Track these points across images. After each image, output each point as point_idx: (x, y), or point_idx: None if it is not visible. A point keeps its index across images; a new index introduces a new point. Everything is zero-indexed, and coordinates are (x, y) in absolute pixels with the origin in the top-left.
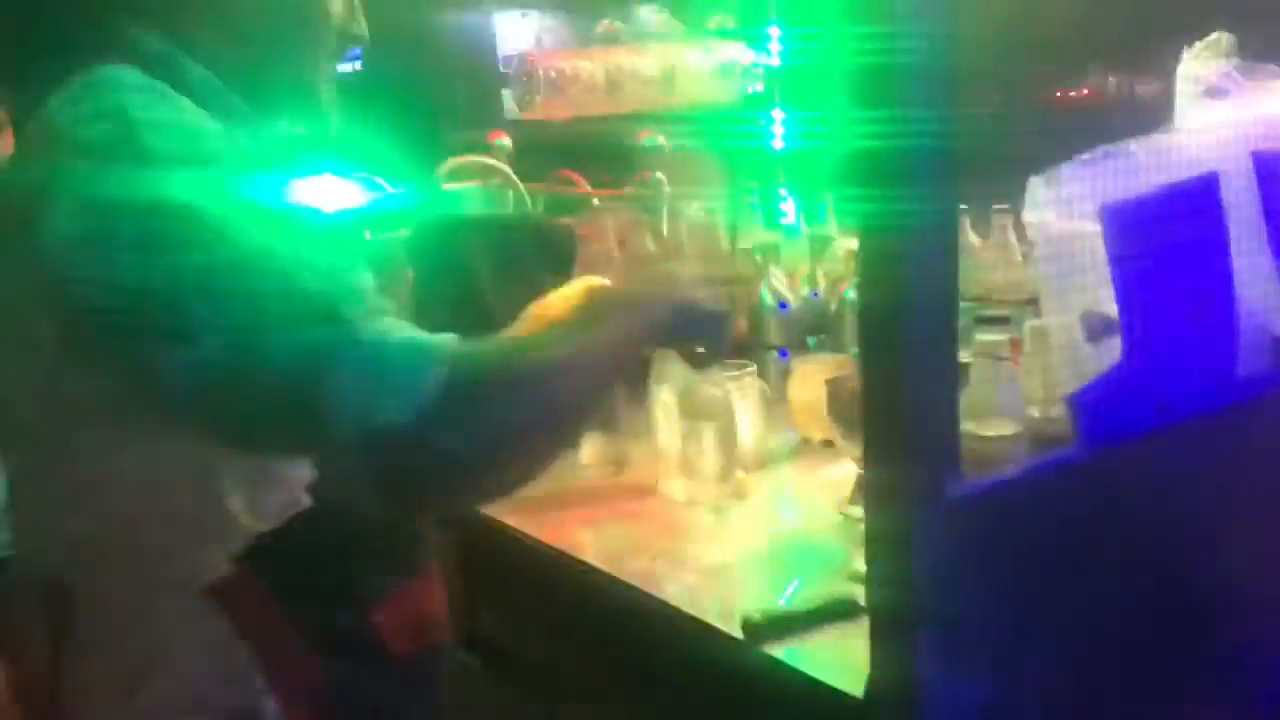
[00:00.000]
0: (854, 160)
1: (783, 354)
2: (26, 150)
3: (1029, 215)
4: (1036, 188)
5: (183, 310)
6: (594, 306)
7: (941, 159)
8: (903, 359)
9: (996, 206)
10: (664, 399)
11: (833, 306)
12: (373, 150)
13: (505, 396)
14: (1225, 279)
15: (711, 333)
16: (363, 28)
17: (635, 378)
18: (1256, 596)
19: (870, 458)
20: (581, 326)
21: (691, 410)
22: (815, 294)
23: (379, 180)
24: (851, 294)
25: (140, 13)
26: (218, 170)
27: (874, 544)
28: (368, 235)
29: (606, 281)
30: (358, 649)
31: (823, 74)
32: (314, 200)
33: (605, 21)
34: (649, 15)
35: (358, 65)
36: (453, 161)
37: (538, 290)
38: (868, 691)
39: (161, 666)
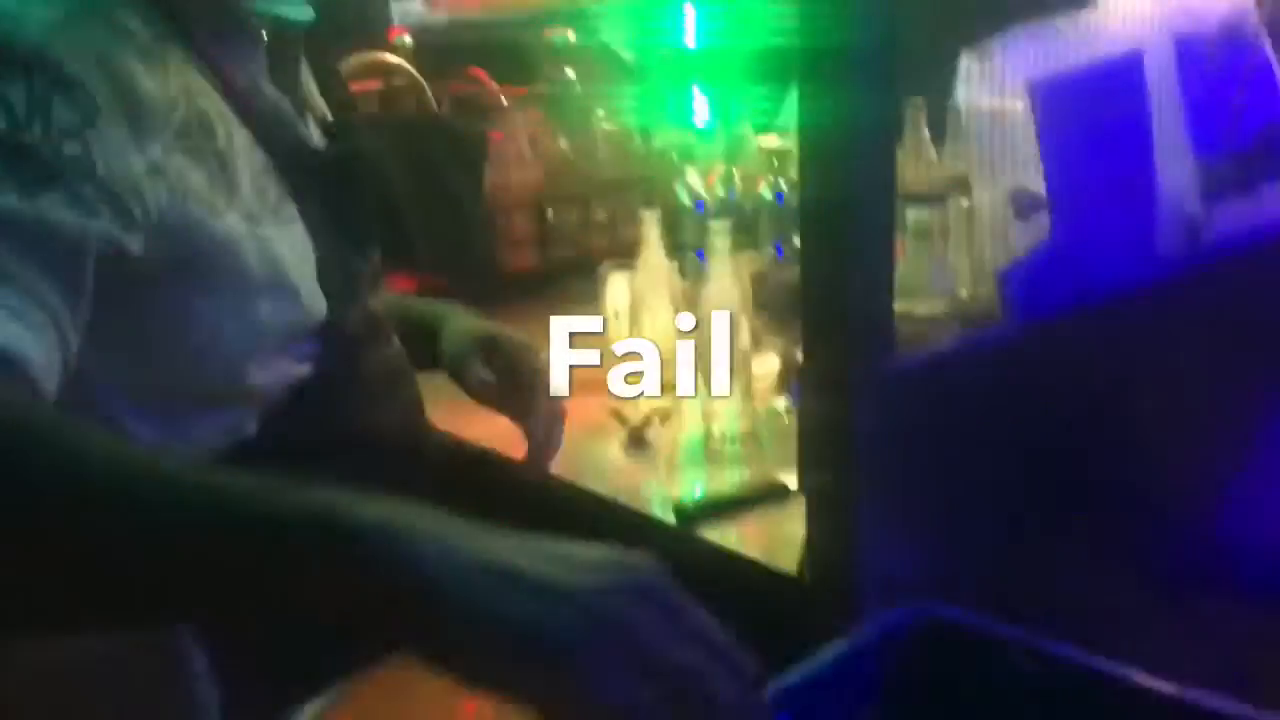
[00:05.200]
0: (777, 54)
1: (700, 255)
2: None
3: (961, 92)
4: (969, 65)
5: None
6: None
7: (874, 48)
8: (842, 244)
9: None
10: (614, 305)
11: (748, 206)
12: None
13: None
14: (1147, 158)
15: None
16: None
17: None
18: (1174, 463)
19: (809, 337)
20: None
21: (634, 314)
22: (731, 193)
23: None
24: (767, 192)
25: None
26: None
27: (810, 421)
28: None
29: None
30: None
31: None
32: None
33: None
34: None
35: None
36: (355, 59)
37: (447, 191)
38: (806, 568)
39: None
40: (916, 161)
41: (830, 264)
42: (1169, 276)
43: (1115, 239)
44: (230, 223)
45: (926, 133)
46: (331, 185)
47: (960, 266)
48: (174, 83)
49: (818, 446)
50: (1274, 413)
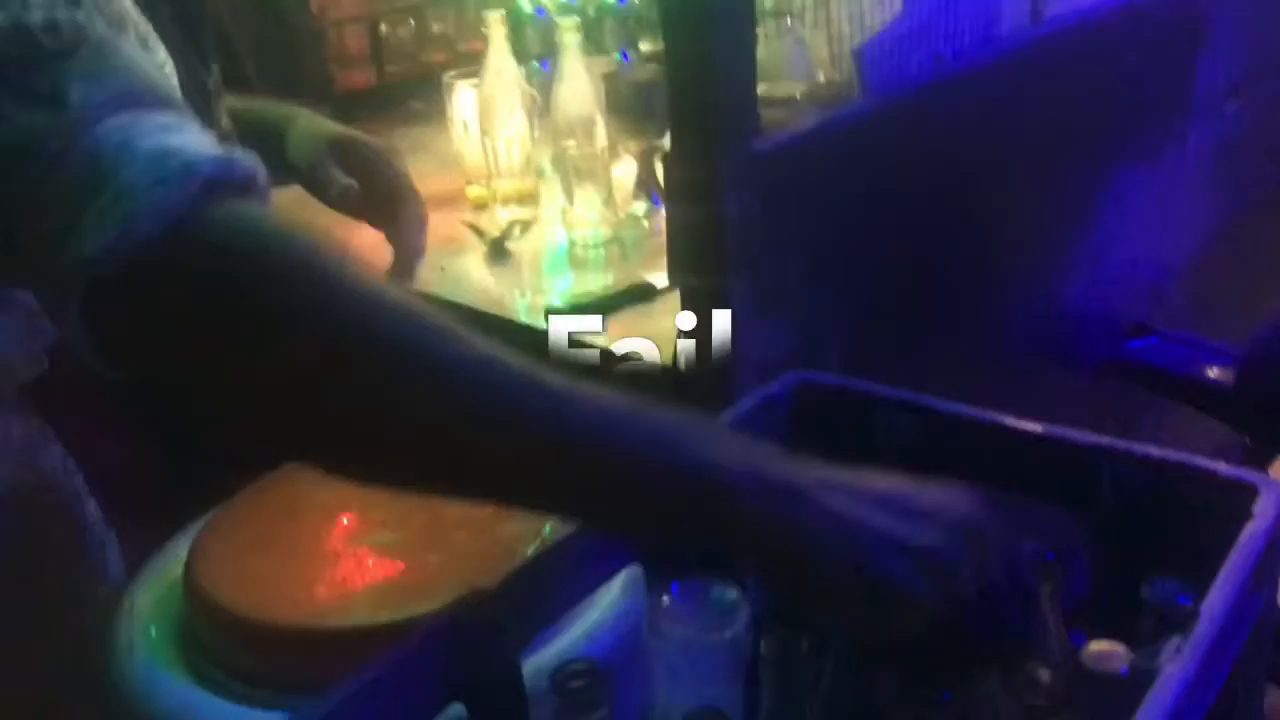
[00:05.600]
0: None
1: (544, 65)
2: None
3: None
4: None
5: None
6: None
7: None
8: (705, 32)
9: None
10: (462, 116)
11: (591, 11)
12: None
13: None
14: None
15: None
16: None
17: None
18: (1016, 232)
19: (675, 128)
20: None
21: (485, 124)
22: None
23: None
24: None
25: None
26: None
27: (680, 210)
28: None
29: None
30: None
31: None
32: None
33: None
34: None
35: None
36: None
37: (272, 7)
38: (681, 357)
39: None
40: None
41: (694, 52)
42: (1012, 50)
43: (964, 14)
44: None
45: None
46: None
47: (817, 48)
48: None
49: (690, 235)
50: (1110, 186)
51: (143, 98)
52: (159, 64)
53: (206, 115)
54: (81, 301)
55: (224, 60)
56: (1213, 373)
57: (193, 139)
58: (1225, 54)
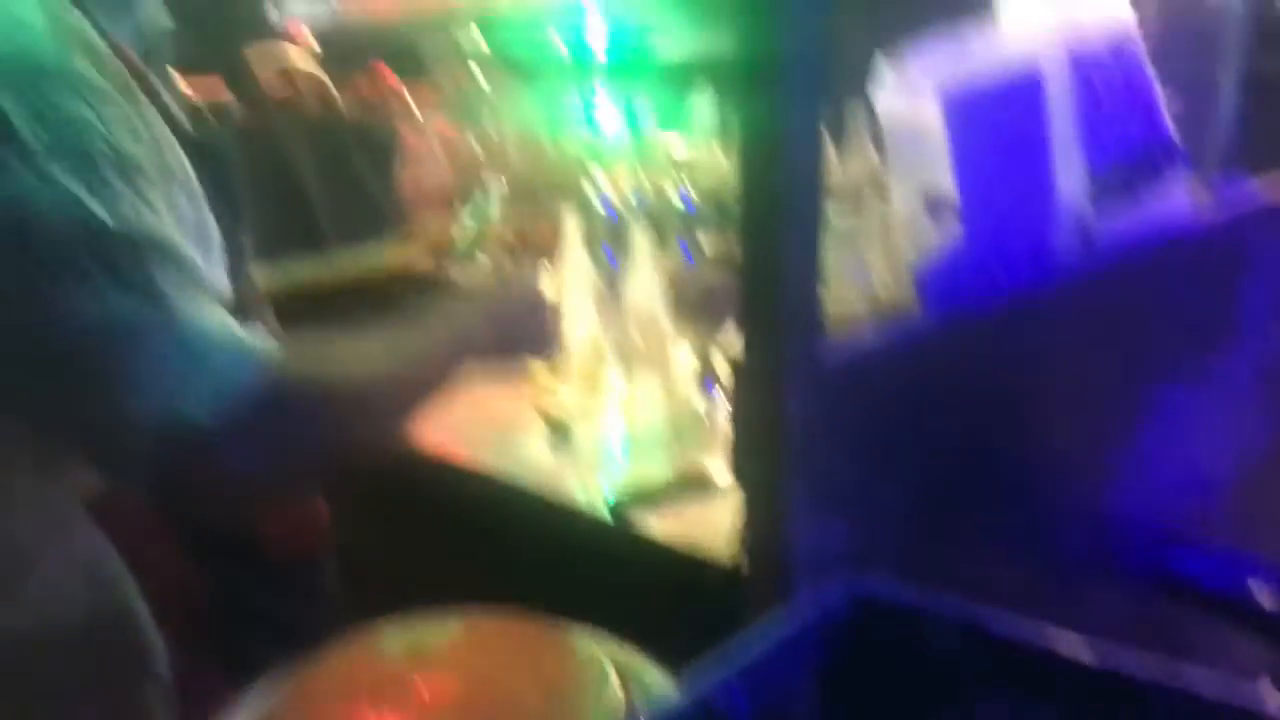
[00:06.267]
0: (685, 59)
1: (608, 254)
2: None
3: (875, 97)
4: (883, 70)
5: None
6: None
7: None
8: (777, 240)
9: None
10: None
11: (656, 210)
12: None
13: (314, 422)
14: (1046, 165)
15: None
16: None
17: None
18: (1066, 450)
19: (745, 330)
20: (411, 335)
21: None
22: (639, 197)
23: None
24: (675, 197)
25: None
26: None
27: (744, 410)
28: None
29: None
30: (237, 553)
31: None
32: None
33: None
34: None
35: None
36: (258, 49)
37: (360, 188)
38: (739, 554)
39: (34, 575)
40: (856, 161)
41: (765, 256)
42: (1065, 276)
43: (1018, 240)
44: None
45: (867, 134)
46: (213, 167)
47: (876, 263)
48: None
49: (751, 435)
50: (1156, 403)
51: (206, 288)
52: (210, 234)
53: (241, 272)
54: (176, 447)
55: (306, 231)
56: (1259, 593)
57: (235, 325)
58: (1269, 277)
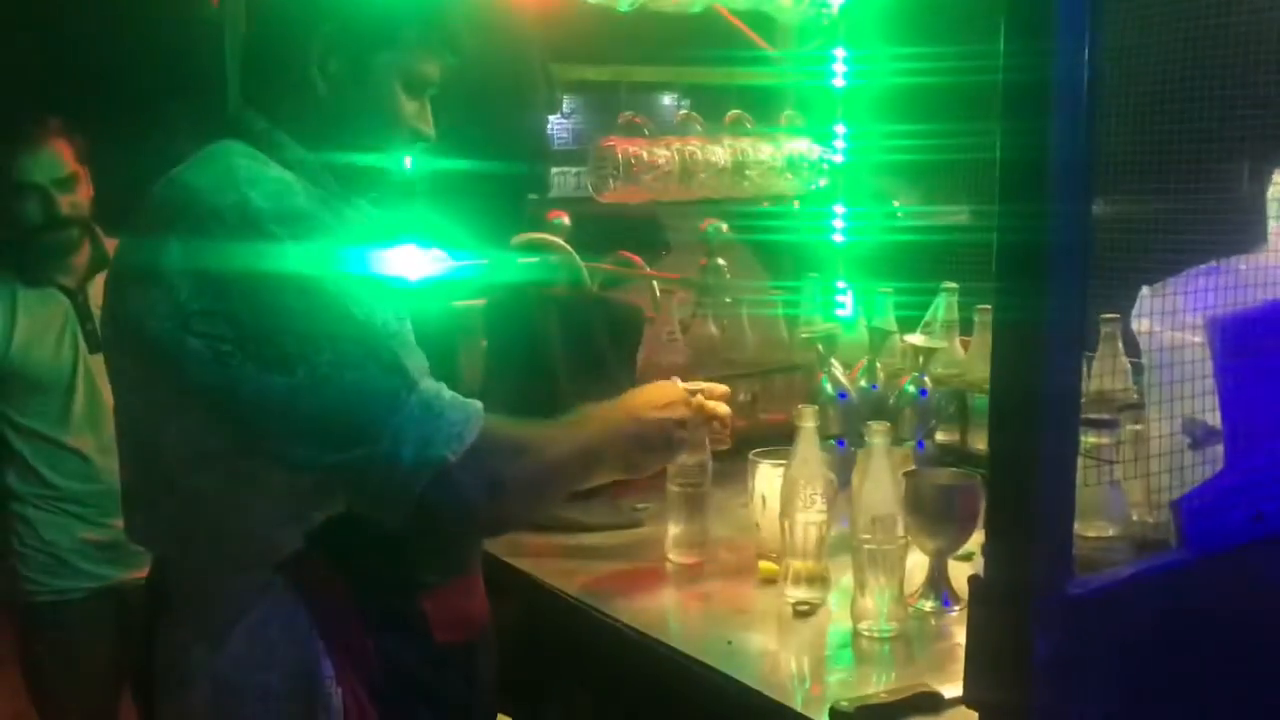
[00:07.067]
0: (926, 250)
1: (840, 444)
2: (154, 211)
3: (1138, 323)
4: (1146, 298)
5: (280, 345)
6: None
7: (1070, 253)
8: (1032, 457)
9: (1105, 315)
10: (761, 491)
11: (891, 399)
12: (443, 226)
13: (514, 460)
14: None
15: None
16: (429, 126)
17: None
18: None
19: (991, 551)
20: (576, 431)
21: (785, 505)
22: (874, 386)
23: (450, 253)
24: (911, 387)
25: (248, 100)
26: (310, 225)
27: (983, 634)
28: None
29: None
30: (406, 629)
31: (885, 170)
32: (396, 268)
33: (627, 114)
34: (670, 105)
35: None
36: (522, 237)
37: (603, 365)
38: None
39: (239, 627)
40: (1112, 377)
41: (1018, 470)
42: None
43: None
44: None
45: (1121, 347)
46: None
47: (1133, 491)
48: None
49: (989, 660)
50: None
51: (427, 368)
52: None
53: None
54: (424, 486)
55: (548, 405)
56: None
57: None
58: None
